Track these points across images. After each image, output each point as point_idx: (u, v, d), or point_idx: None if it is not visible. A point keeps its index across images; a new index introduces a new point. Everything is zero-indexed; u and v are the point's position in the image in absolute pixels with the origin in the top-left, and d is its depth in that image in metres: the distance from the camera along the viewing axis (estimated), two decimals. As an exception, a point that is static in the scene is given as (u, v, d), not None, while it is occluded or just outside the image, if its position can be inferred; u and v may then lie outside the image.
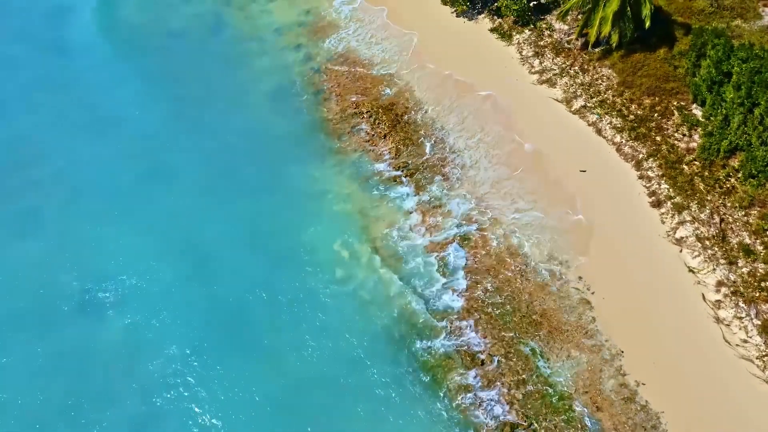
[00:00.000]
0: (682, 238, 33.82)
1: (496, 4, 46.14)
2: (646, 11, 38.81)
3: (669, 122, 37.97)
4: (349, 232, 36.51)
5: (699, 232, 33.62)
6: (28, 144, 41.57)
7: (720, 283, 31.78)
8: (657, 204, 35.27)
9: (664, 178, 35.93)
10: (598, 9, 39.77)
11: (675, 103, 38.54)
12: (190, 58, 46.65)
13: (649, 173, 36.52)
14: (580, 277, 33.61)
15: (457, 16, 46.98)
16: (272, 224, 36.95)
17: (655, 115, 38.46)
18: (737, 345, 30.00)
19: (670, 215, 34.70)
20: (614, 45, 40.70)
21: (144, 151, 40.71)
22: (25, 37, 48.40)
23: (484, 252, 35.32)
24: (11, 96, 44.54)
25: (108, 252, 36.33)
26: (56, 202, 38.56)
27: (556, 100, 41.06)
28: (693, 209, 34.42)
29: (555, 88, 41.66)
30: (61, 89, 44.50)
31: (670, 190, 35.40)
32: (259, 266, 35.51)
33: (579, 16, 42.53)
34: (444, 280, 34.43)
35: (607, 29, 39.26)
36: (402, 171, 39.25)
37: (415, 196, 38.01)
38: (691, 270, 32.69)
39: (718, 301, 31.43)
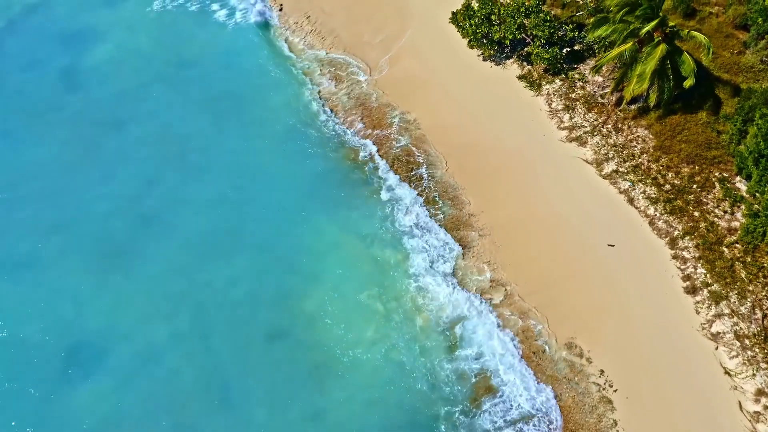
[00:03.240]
0: (718, 333, 30.56)
1: (526, 49, 43.10)
2: (687, 69, 35.52)
3: (709, 196, 34.69)
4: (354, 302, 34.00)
5: (738, 328, 30.35)
6: (25, 181, 39.89)
7: (760, 392, 28.52)
8: (692, 290, 32.05)
9: (701, 261, 32.67)
10: (636, 65, 36.51)
11: (717, 174, 35.23)
12: (201, 90, 44.45)
13: (685, 254, 33.27)
14: (601, 371, 30.61)
15: (483, 60, 44.04)
16: (274, 290, 34.67)
17: (694, 186, 35.18)
18: (776, 467, 26.86)
19: (706, 305, 31.47)
20: (652, 104, 37.45)
21: (142, 196, 38.66)
22: (34, 63, 46.69)
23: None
24: (12, 126, 42.86)
25: (94, 308, 34.48)
26: (48, 250, 36.76)
27: (586, 161, 37.93)
28: (732, 300, 31.14)
29: (585, 147, 38.53)
30: (62, 123, 42.53)
31: (708, 275, 32.14)
32: (256, 337, 33.30)
33: (615, 70, 39.28)
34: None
35: (644, 87, 36.00)
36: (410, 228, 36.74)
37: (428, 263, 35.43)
38: (727, 372, 29.46)
39: (757, 412, 28.18)
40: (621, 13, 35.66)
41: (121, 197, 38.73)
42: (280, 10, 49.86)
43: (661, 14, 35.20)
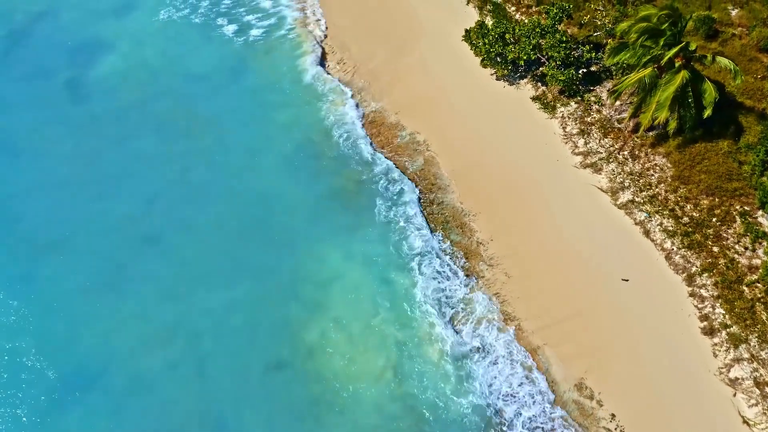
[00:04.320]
0: (737, 379, 29.13)
1: (541, 69, 41.74)
2: (708, 99, 34.05)
3: (729, 231, 33.21)
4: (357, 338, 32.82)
5: (758, 374, 28.89)
6: (23, 195, 39.08)
7: (780, 445, 27.15)
8: (709, 332, 30.61)
9: (720, 300, 31.22)
10: (655, 91, 35.04)
11: (738, 208, 33.74)
12: (208, 106, 43.45)
13: (703, 292, 31.83)
14: (613, 415, 29.25)
15: (496, 79, 42.72)
16: (274, 317, 33.58)
17: (714, 219, 33.71)
18: None
19: (724, 348, 30.02)
20: (672, 132, 35.98)
21: (142, 215, 37.69)
22: (38, 73, 45.89)
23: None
24: (12, 139, 42.03)
25: (87, 330, 33.55)
26: (43, 268, 35.87)
27: (601, 189, 36.53)
28: (752, 344, 29.69)
29: (600, 174, 37.12)
30: (63, 136, 41.62)
31: (726, 316, 30.69)
32: (254, 367, 32.23)
33: (633, 95, 37.80)
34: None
35: (663, 116, 34.53)
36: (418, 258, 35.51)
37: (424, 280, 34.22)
38: (746, 422, 28.03)
39: (777, 467, 26.82)
40: (641, 39, 34.25)
41: (120, 215, 37.73)
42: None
43: (683, 40, 33.74)
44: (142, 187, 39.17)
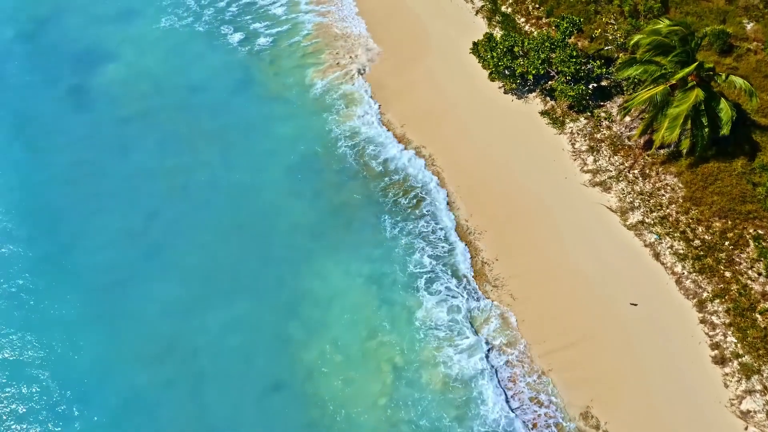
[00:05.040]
0: (749, 411, 28.15)
1: (550, 83, 40.83)
2: (725, 117, 33.07)
3: (743, 255, 32.20)
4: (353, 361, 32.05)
5: (771, 407, 27.97)
6: (21, 207, 38.52)
7: (793, 483, 26.18)
8: (721, 361, 29.65)
9: (732, 328, 30.25)
10: (667, 109, 34.07)
11: (751, 231, 32.73)
12: (209, 118, 42.76)
13: (714, 319, 30.86)
14: (618, 447, 28.43)
15: (504, 93, 41.85)
16: (273, 336, 32.87)
17: (726, 243, 32.71)
18: None
19: (735, 378, 29.05)
20: (684, 151, 34.98)
21: (141, 229, 37.09)
22: (40, 81, 45.29)
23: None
24: (11, 148, 41.50)
25: (82, 346, 33.02)
26: (40, 281, 35.30)
27: (610, 208, 35.60)
28: (765, 375, 28.69)
29: (609, 193, 36.18)
30: (64, 146, 40.97)
31: (738, 345, 29.71)
32: (251, 387, 31.53)
33: (645, 111, 36.80)
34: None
35: (675, 135, 33.58)
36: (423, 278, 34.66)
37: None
38: (757, 457, 27.14)
39: (789, 506, 25.84)
40: (651, 54, 33.32)
41: (118, 229, 37.13)
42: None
43: (697, 59, 32.73)
44: (142, 200, 38.52)
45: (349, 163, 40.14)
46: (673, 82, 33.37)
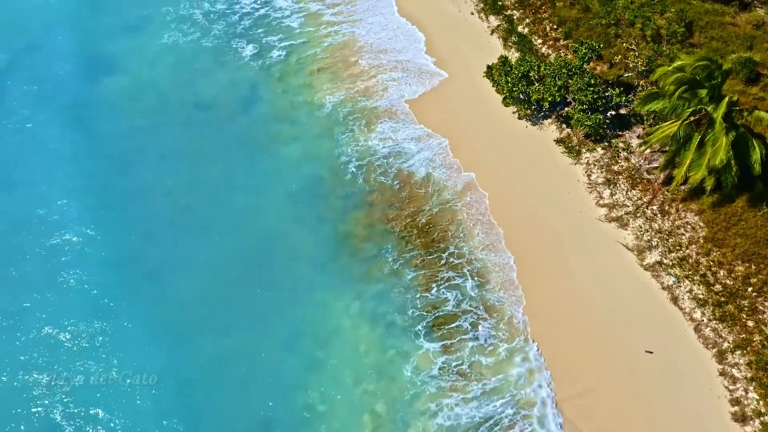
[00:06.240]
0: (770, 476, 26.50)
1: (566, 109, 39.17)
2: (755, 156, 31.31)
3: (767, 303, 30.42)
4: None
5: (794, 473, 26.25)
6: (18, 226, 37.39)
7: None
8: (741, 419, 27.92)
9: (754, 383, 28.50)
10: (690, 144, 32.34)
11: (776, 277, 30.99)
12: (213, 138, 41.41)
13: (735, 372, 29.12)
14: None
15: (518, 118, 40.24)
16: (267, 374, 31.57)
17: (750, 289, 30.94)
18: None
19: (756, 439, 27.40)
20: (708, 188, 33.11)
21: (137, 252, 35.81)
22: (44, 94, 44.10)
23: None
24: (11, 161, 40.27)
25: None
26: (32, 305, 34.16)
27: (626, 247, 33.91)
28: (788, 437, 27.01)
29: (626, 230, 34.49)
30: (65, 162, 39.69)
31: (761, 402, 27.97)
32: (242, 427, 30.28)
33: (666, 144, 34.92)
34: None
35: (699, 176, 31.78)
36: (429, 318, 33.10)
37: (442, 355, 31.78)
38: None
39: None
40: (679, 91, 31.53)
41: (114, 250, 35.81)
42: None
43: (726, 98, 30.79)
44: (140, 220, 37.14)
45: (355, 188, 38.74)
46: (698, 118, 31.65)
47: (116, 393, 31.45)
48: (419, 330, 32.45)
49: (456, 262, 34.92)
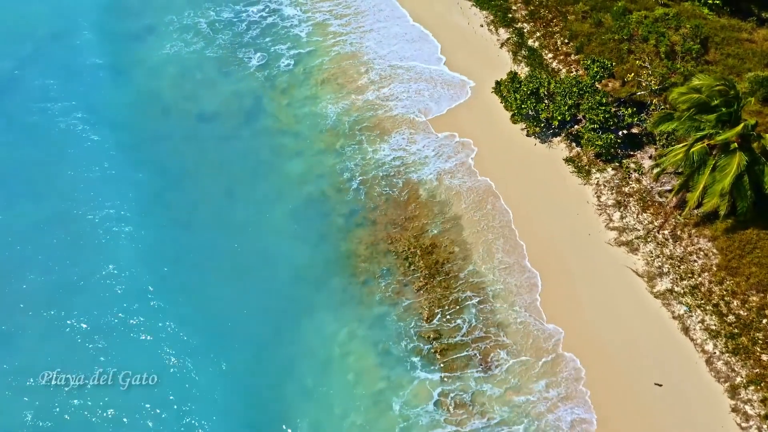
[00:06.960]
0: None
1: (576, 127, 38.15)
2: (768, 183, 30.25)
3: (782, 336, 29.36)
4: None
5: None
6: (14, 241, 36.73)
7: None
8: (753, 459, 26.94)
9: (768, 421, 27.50)
10: (704, 169, 31.27)
11: (793, 309, 29.89)
12: (214, 153, 40.49)
13: (748, 408, 28.04)
14: None
15: (527, 135, 39.24)
16: (261, 400, 30.75)
17: (765, 321, 29.86)
18: None
19: (769, 481, 26.36)
20: (722, 214, 31.99)
21: (133, 271, 34.93)
22: (43, 106, 43.59)
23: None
24: (11, 173, 39.57)
25: (63, 400, 30.98)
26: (26, 326, 33.36)
27: (636, 272, 32.88)
28: (803, 481, 25.95)
29: (636, 255, 33.45)
30: (62, 175, 38.89)
31: (774, 442, 26.98)
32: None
33: (680, 167, 33.77)
34: None
35: (713, 203, 30.71)
36: (432, 344, 32.18)
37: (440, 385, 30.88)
38: None
39: None
40: (691, 112, 30.54)
41: (109, 268, 34.96)
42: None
43: (742, 121, 29.74)
44: (137, 236, 36.45)
45: (357, 206, 37.83)
46: (713, 142, 30.57)
47: (104, 414, 30.85)
48: (420, 359, 31.70)
49: (459, 284, 34.12)
